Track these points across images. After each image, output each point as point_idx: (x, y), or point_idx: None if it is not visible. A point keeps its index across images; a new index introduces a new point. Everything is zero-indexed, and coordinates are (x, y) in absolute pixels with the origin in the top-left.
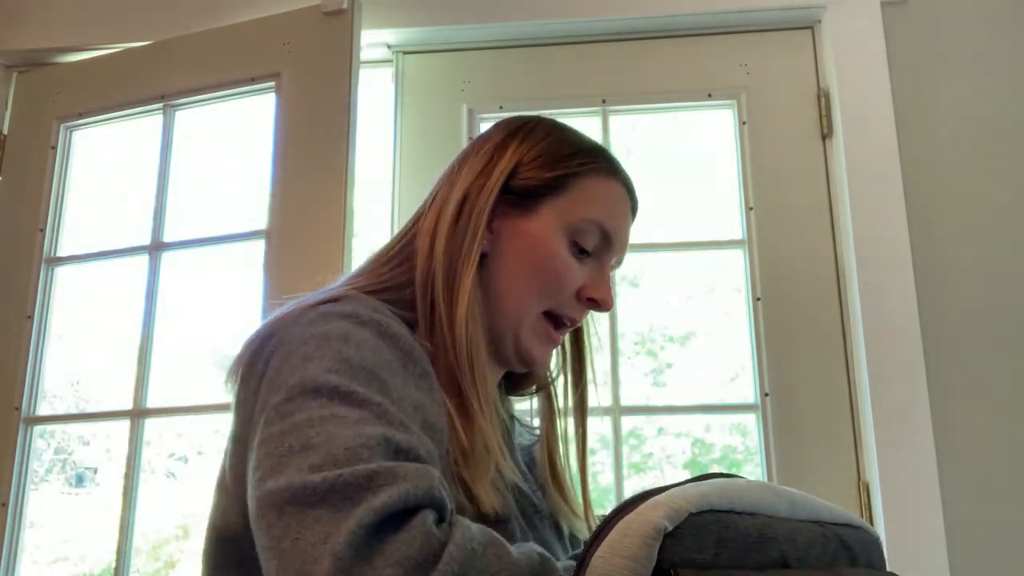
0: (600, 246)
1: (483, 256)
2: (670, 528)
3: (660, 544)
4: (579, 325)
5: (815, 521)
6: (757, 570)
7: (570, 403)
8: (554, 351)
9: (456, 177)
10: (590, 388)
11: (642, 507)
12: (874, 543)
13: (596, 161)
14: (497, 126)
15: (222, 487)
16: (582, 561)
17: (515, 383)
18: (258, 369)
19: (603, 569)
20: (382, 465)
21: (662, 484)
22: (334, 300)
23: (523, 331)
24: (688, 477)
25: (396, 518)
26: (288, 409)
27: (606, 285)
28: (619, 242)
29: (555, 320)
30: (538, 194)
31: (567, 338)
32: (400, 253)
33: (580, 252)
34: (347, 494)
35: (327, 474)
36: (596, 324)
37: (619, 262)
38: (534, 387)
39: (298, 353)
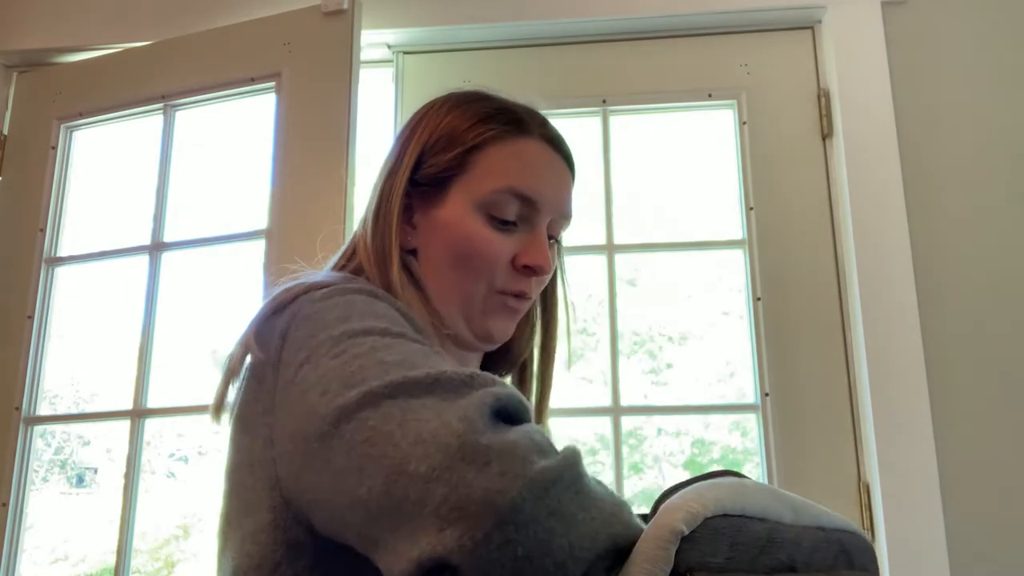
0: (525, 212)
1: (414, 251)
2: (687, 532)
3: (676, 547)
4: (532, 296)
5: (818, 527)
6: (766, 574)
7: (534, 372)
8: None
9: (380, 177)
10: (558, 362)
11: (659, 510)
12: (868, 549)
13: (497, 127)
14: (416, 111)
15: (237, 516)
16: None
17: (496, 365)
18: (274, 342)
19: (620, 571)
20: (476, 372)
21: (660, 485)
22: (328, 284)
23: (474, 313)
24: (689, 476)
25: (506, 415)
26: (340, 348)
27: (538, 249)
28: (545, 202)
29: (505, 295)
30: (445, 179)
31: (538, 311)
32: (351, 260)
33: (502, 224)
34: (453, 388)
35: (429, 371)
36: (596, 323)
37: (564, 220)
38: (515, 368)
39: (328, 317)
